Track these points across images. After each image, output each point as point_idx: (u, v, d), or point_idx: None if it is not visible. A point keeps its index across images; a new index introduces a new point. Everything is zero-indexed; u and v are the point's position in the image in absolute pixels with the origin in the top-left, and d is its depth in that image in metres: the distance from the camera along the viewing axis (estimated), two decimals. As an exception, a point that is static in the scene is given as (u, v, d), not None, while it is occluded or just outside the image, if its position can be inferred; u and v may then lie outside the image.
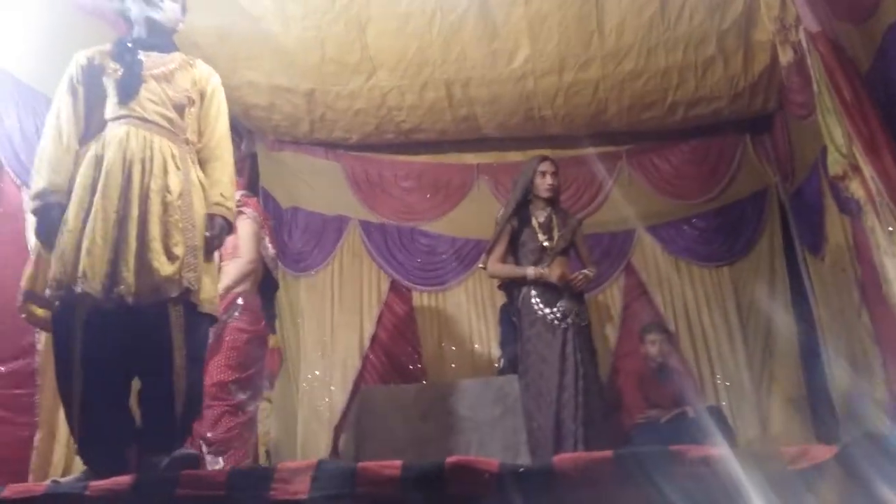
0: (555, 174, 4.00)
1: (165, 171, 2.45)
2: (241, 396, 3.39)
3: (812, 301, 4.57)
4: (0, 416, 3.01)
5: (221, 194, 2.57)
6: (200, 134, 2.64)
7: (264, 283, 3.68)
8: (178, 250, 2.38)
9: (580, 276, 3.79)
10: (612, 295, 5.04)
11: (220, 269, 3.37)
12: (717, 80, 4.67)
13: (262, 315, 3.57)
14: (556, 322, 3.69)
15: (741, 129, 5.15)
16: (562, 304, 3.72)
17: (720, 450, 2.04)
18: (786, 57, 4.11)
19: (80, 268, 2.30)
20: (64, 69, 3.34)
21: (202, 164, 2.62)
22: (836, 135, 3.31)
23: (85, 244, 2.32)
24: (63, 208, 2.43)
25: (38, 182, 2.47)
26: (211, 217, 2.53)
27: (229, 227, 2.60)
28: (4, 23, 3.12)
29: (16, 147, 3.15)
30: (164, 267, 2.34)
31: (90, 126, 2.57)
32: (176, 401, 2.36)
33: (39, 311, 2.52)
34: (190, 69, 2.68)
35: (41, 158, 2.52)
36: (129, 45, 2.61)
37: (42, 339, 3.12)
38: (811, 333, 4.51)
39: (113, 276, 2.31)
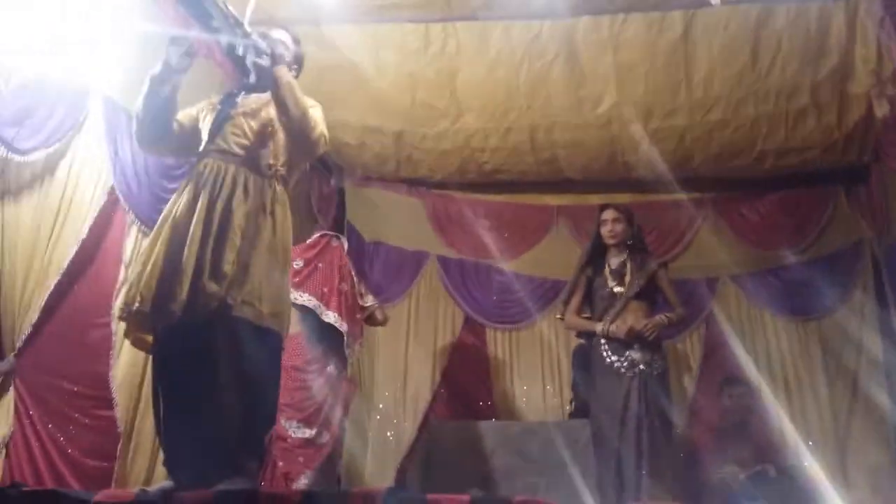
0: (617, 221, 3.98)
1: (233, 195, 2.55)
2: (308, 433, 3.53)
3: (905, 361, 4.35)
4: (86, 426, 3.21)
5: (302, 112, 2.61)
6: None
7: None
8: (228, 269, 2.44)
9: (650, 326, 3.74)
10: (692, 344, 4.93)
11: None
12: (810, 130, 4.59)
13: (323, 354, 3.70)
14: (622, 371, 3.68)
15: (834, 180, 5.01)
16: (630, 353, 3.70)
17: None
18: (882, 110, 4.03)
19: (141, 288, 2.46)
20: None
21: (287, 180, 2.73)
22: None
23: (148, 268, 2.49)
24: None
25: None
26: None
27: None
28: (119, 59, 3.34)
29: (127, 176, 3.40)
30: (210, 285, 2.41)
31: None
32: (226, 419, 2.40)
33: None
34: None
35: None
36: (234, 91, 2.81)
37: (121, 354, 3.34)
38: (904, 395, 4.29)
39: (168, 296, 2.42)
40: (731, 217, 5.15)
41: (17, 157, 2.94)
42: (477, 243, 5.31)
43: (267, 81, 2.79)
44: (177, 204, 2.60)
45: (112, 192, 3.35)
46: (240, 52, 2.85)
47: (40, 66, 3.00)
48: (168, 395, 2.51)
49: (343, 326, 3.85)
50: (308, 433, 3.70)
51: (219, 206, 2.53)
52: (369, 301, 4.15)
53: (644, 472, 3.45)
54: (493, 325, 5.19)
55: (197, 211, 2.52)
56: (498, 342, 5.16)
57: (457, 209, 5.42)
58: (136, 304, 2.46)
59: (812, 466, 3.96)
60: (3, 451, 2.88)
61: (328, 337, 3.84)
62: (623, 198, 5.16)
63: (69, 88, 3.14)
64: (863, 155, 4.71)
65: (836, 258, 4.90)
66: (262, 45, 2.80)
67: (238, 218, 2.52)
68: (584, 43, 4.28)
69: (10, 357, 2.95)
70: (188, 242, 2.47)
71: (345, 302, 3.92)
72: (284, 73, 2.65)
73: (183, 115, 2.80)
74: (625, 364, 3.69)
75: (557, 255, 5.05)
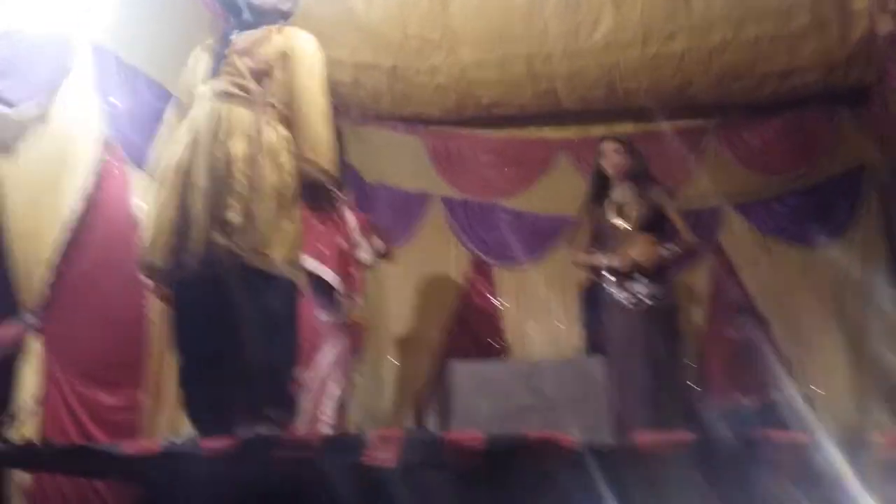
0: (617, 152, 3.91)
1: (231, 138, 2.49)
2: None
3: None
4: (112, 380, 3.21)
5: (311, 149, 2.57)
6: (290, 96, 2.63)
7: None
8: (234, 218, 2.39)
9: (653, 256, 3.70)
10: (700, 276, 4.90)
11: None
12: (811, 51, 4.49)
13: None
14: (629, 306, 3.67)
15: (837, 102, 4.92)
16: (637, 287, 3.68)
17: (807, 436, 2.02)
18: (885, 26, 3.93)
19: (151, 241, 2.45)
20: (164, 51, 3.55)
21: (291, 121, 2.61)
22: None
23: (161, 222, 2.46)
24: None
25: None
26: (301, 174, 2.56)
27: (328, 179, 2.58)
28: (108, 7, 3.25)
29: (121, 123, 3.31)
30: (218, 237, 2.38)
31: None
32: (245, 370, 2.40)
33: None
34: (275, 36, 2.68)
35: None
36: (229, 30, 2.71)
37: (151, 305, 3.32)
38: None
39: (180, 247, 2.41)
40: (733, 144, 5.07)
41: (6, 110, 2.83)
42: (479, 181, 5.25)
43: (262, 17, 2.71)
44: (177, 148, 2.54)
45: (108, 141, 3.26)
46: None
47: (25, 13, 2.88)
48: (187, 348, 2.51)
49: (337, 282, 3.87)
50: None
51: (220, 151, 2.47)
52: (367, 255, 4.15)
53: (656, 404, 3.49)
54: (501, 264, 5.17)
55: (200, 156, 2.46)
56: (506, 281, 5.14)
57: (456, 147, 5.33)
58: (154, 260, 2.44)
59: (824, 393, 4.01)
60: (38, 409, 2.87)
61: (320, 288, 3.87)
62: (624, 128, 5.10)
63: (56, 35, 3.03)
64: (865, 75, 4.62)
65: (840, 182, 4.85)
66: None
67: (239, 162, 2.46)
68: (579, -34, 4.15)
69: (29, 315, 2.90)
70: (194, 192, 2.42)
71: (341, 258, 3.96)
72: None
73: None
74: (632, 299, 3.69)
75: (561, 190, 4.99)
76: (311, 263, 3.72)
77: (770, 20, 4.38)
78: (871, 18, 4.19)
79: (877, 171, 4.77)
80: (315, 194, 2.62)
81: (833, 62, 4.55)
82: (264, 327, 2.42)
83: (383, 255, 4.35)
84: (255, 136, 2.51)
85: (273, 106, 2.61)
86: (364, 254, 4.13)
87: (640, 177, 3.96)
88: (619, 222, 3.84)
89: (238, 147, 2.48)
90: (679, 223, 3.92)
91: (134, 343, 3.30)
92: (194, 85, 2.69)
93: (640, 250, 3.74)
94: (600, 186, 3.98)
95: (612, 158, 3.92)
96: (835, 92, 4.84)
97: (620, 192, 3.94)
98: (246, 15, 2.72)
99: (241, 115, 2.54)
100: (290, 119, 2.62)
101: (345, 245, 4.00)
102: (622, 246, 3.77)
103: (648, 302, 3.68)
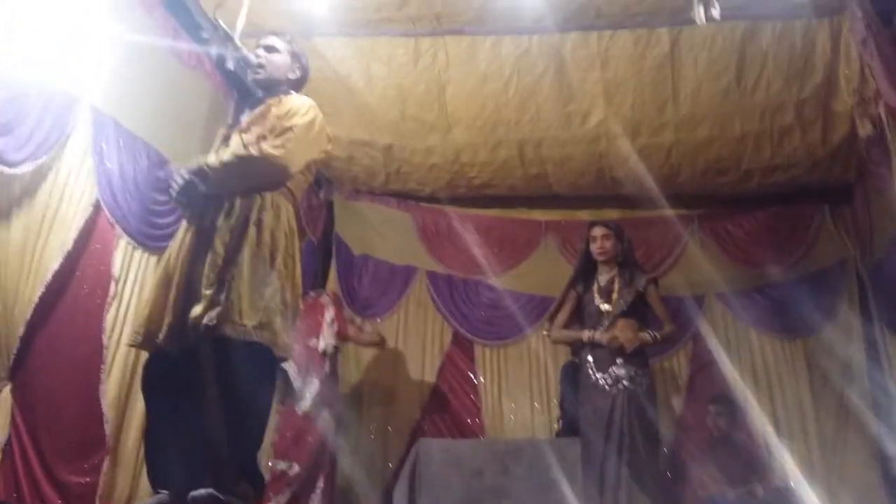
0: (606, 237, 3.99)
1: (218, 214, 2.50)
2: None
3: (890, 380, 4.36)
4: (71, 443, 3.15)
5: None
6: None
7: None
8: (208, 290, 2.38)
9: (632, 339, 3.73)
10: (679, 362, 4.93)
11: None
12: (795, 148, 4.63)
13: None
14: (607, 387, 3.67)
15: (820, 198, 5.05)
16: (614, 369, 3.70)
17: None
18: (864, 130, 4.08)
19: (142, 320, 2.46)
20: (163, 117, 3.63)
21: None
22: (917, 210, 3.24)
23: (150, 296, 2.48)
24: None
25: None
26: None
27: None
28: (109, 72, 3.32)
29: (114, 188, 3.35)
30: (194, 309, 2.37)
31: None
32: (213, 436, 2.35)
33: None
34: (274, 108, 2.69)
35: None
36: (241, 111, 2.75)
37: (112, 371, 3.31)
38: (889, 415, 4.29)
39: (157, 325, 2.41)
40: (718, 233, 5.18)
41: (5, 169, 2.88)
42: (465, 258, 5.31)
43: (270, 90, 2.76)
44: (179, 234, 2.58)
45: (98, 203, 3.30)
46: (230, 66, 2.84)
47: (27, 76, 2.96)
48: (155, 414, 2.50)
49: (295, 376, 4.19)
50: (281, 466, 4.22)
51: (205, 228, 2.49)
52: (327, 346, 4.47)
53: (626, 490, 3.43)
54: (482, 341, 5.17)
55: (189, 237, 2.50)
56: (486, 358, 5.13)
57: (446, 223, 5.42)
58: (140, 337, 2.45)
59: (799, 485, 3.96)
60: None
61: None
62: (611, 213, 5.22)
63: (56, 98, 3.10)
64: (847, 173, 4.76)
65: (821, 276, 4.92)
66: (252, 58, 2.79)
67: (221, 235, 2.46)
68: (572, 58, 4.31)
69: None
70: (177, 269, 2.45)
71: (309, 356, 4.36)
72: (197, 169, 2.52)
73: None
74: (609, 380, 3.68)
75: (545, 271, 5.06)
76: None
77: (755, 118, 4.53)
78: (853, 121, 4.33)
79: (856, 266, 4.85)
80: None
81: (816, 160, 4.69)
82: (236, 396, 2.38)
83: (377, 344, 4.74)
84: (241, 209, 2.50)
85: None
86: (324, 344, 4.45)
87: (625, 262, 4.02)
88: (605, 306, 3.87)
89: (221, 222, 2.48)
90: (661, 311, 3.99)
91: (95, 407, 3.25)
92: None
93: (622, 333, 3.76)
94: (586, 268, 4.03)
95: (600, 243, 3.98)
96: (817, 188, 4.97)
97: (606, 276, 3.99)
98: (259, 94, 2.76)
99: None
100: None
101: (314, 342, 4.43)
102: (601, 329, 3.79)
103: (626, 384, 3.67)
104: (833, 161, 4.69)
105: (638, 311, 3.89)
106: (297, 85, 2.86)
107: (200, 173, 2.50)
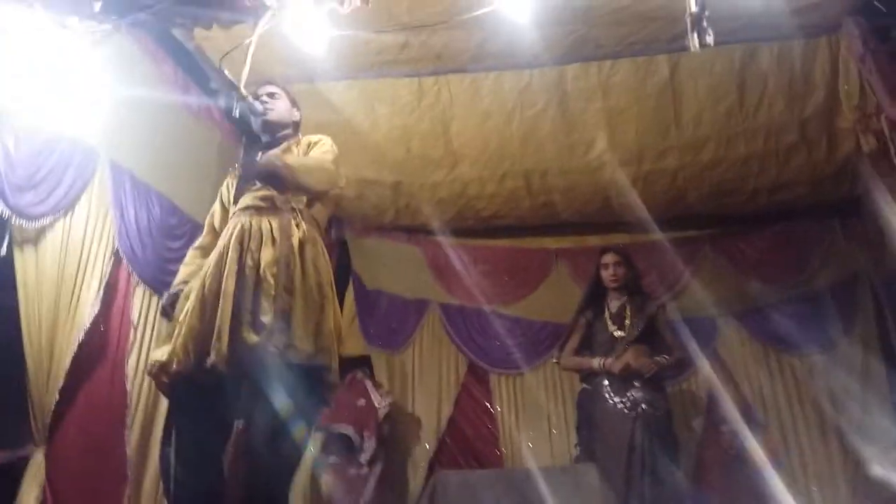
0: (618, 264, 4.03)
1: (261, 246, 2.61)
2: None
3: (911, 393, 4.32)
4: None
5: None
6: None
7: None
8: (266, 318, 2.48)
9: (648, 364, 3.74)
10: (697, 383, 4.91)
11: None
12: (800, 166, 4.65)
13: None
14: (625, 411, 3.67)
15: (829, 213, 5.06)
16: (632, 393, 3.70)
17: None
18: (868, 145, 4.09)
19: (176, 348, 2.50)
20: (174, 166, 3.75)
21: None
22: (923, 222, 3.25)
23: (183, 329, 2.53)
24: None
25: (176, 280, 2.82)
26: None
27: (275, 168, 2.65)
28: (122, 124, 3.45)
29: (131, 239, 3.47)
30: (251, 337, 2.46)
31: None
32: (257, 464, 2.46)
33: None
34: (295, 148, 2.88)
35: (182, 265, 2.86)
36: (253, 156, 2.85)
37: (137, 414, 3.37)
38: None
39: (205, 350, 2.46)
40: (730, 253, 5.18)
41: (26, 224, 3.00)
42: (477, 290, 5.32)
43: (275, 132, 2.90)
44: (207, 264, 2.66)
45: (117, 254, 3.40)
46: (236, 114, 2.95)
47: (47, 132, 3.08)
48: (184, 449, 2.51)
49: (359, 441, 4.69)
50: None
51: (248, 258, 2.59)
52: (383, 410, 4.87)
53: None
54: (497, 371, 5.18)
55: (227, 266, 2.57)
56: (503, 387, 5.14)
57: (455, 256, 5.43)
58: (174, 365, 2.49)
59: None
60: None
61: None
62: (621, 238, 5.23)
63: (77, 153, 3.22)
64: (855, 188, 4.76)
65: (836, 291, 4.90)
66: (259, 107, 2.91)
67: (269, 266, 2.57)
68: (573, 90, 4.37)
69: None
70: (222, 296, 2.51)
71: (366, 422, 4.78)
72: (272, 161, 2.67)
73: (212, 221, 2.92)
74: (627, 404, 3.68)
75: (558, 298, 5.07)
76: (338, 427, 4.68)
77: (759, 138, 4.56)
78: (857, 137, 4.35)
79: (870, 280, 4.83)
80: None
81: (822, 177, 4.71)
82: (268, 421, 2.48)
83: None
84: (284, 239, 2.64)
85: (297, 209, 2.76)
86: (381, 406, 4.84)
87: (634, 289, 4.05)
88: (618, 332, 3.89)
89: (267, 252, 2.60)
90: (669, 337, 4.01)
91: (118, 454, 3.32)
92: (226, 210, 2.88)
93: (635, 360, 3.77)
94: (594, 295, 4.06)
95: (612, 270, 4.01)
96: (826, 203, 4.97)
97: (617, 303, 4.01)
98: (265, 138, 2.91)
99: (268, 222, 2.68)
100: (312, 217, 2.79)
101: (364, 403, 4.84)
102: (615, 356, 3.80)
103: (645, 408, 3.66)
104: (840, 176, 4.70)
105: (647, 337, 3.91)
106: (299, 126, 3.03)
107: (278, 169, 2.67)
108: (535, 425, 4.97)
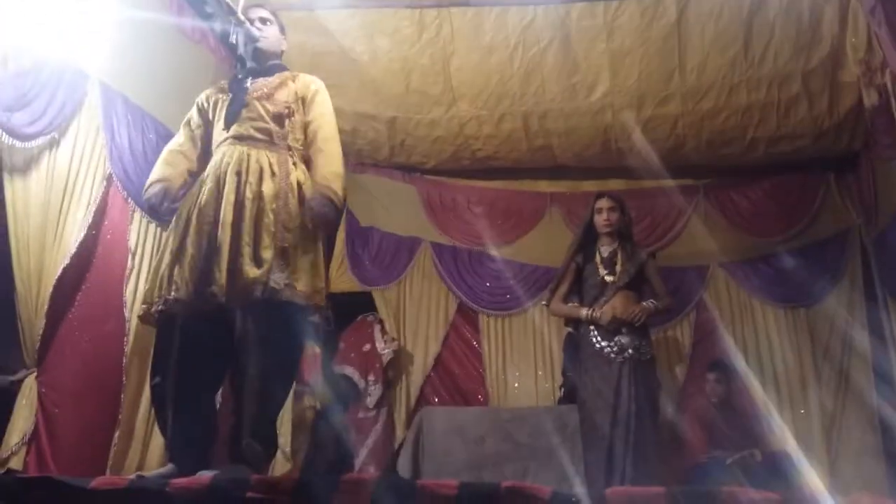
0: (612, 209, 4.00)
1: (261, 179, 2.60)
2: None
3: (892, 349, 4.40)
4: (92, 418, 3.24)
5: (324, 176, 2.69)
6: (306, 136, 2.79)
7: None
8: (267, 254, 2.50)
9: (637, 311, 3.77)
10: (683, 331, 4.97)
11: None
12: (801, 118, 4.62)
13: None
14: (612, 356, 3.72)
15: (825, 168, 5.04)
16: (620, 338, 3.73)
17: (774, 495, 2.04)
18: (870, 100, 4.06)
19: (175, 277, 2.50)
20: (169, 92, 3.66)
21: (310, 159, 2.76)
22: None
23: (180, 258, 2.52)
24: (173, 195, 2.71)
25: (151, 177, 2.79)
26: (310, 198, 2.64)
27: (333, 206, 2.66)
28: (117, 47, 3.37)
29: (125, 164, 3.41)
30: (252, 270, 2.47)
31: (207, 159, 2.79)
32: (269, 394, 2.52)
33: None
34: (291, 84, 2.84)
35: (157, 164, 2.83)
36: (240, 77, 2.84)
37: (130, 340, 3.38)
38: (891, 382, 4.34)
39: (205, 279, 2.47)
40: (723, 204, 5.18)
41: (19, 144, 2.94)
42: (470, 230, 5.33)
43: (268, 62, 2.83)
44: (200, 192, 2.63)
45: (110, 178, 3.36)
46: (233, 39, 2.88)
47: (38, 51, 3.00)
48: (182, 382, 2.53)
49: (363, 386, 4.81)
50: None
51: (248, 190, 2.58)
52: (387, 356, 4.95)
53: (632, 457, 3.50)
54: (486, 312, 5.20)
55: (225, 195, 2.56)
56: (491, 328, 5.17)
57: (450, 196, 5.43)
58: (173, 293, 2.48)
59: (797, 451, 4.03)
60: (25, 446, 2.91)
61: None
62: (616, 184, 5.23)
63: (67, 74, 3.14)
64: (853, 143, 4.75)
65: (825, 246, 4.93)
66: (255, 31, 2.84)
67: (269, 201, 2.57)
68: (577, 29, 4.30)
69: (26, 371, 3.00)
70: (220, 226, 2.51)
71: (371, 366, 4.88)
72: (319, 205, 2.63)
73: (180, 146, 2.85)
74: (614, 349, 3.73)
75: (550, 242, 5.07)
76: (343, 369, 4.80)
77: (762, 88, 4.52)
78: (860, 91, 4.31)
79: (860, 235, 4.86)
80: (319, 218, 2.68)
81: (822, 130, 4.68)
82: (282, 361, 2.55)
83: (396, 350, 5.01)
84: (283, 176, 2.64)
85: (294, 147, 2.76)
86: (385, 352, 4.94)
87: (626, 236, 4.05)
88: (609, 277, 3.90)
89: (267, 187, 2.60)
90: (658, 285, 4.00)
91: (113, 381, 3.33)
92: (210, 123, 2.83)
93: (621, 305, 3.79)
94: (587, 239, 4.05)
95: (606, 215, 4.00)
96: (823, 158, 4.96)
97: (608, 248, 4.00)
98: (251, 64, 2.85)
99: (266, 157, 2.67)
100: (308, 158, 2.77)
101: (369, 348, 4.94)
102: (604, 300, 3.83)
103: (632, 353, 3.71)
104: (839, 131, 4.67)
105: (636, 284, 3.92)
106: (281, 56, 2.97)
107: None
108: (522, 366, 5.03)
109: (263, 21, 2.89)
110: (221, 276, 2.45)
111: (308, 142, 2.78)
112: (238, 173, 2.60)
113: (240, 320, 2.55)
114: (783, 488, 2.69)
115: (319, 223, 2.66)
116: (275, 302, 2.51)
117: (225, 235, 2.50)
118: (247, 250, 2.50)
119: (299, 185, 2.68)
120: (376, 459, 4.56)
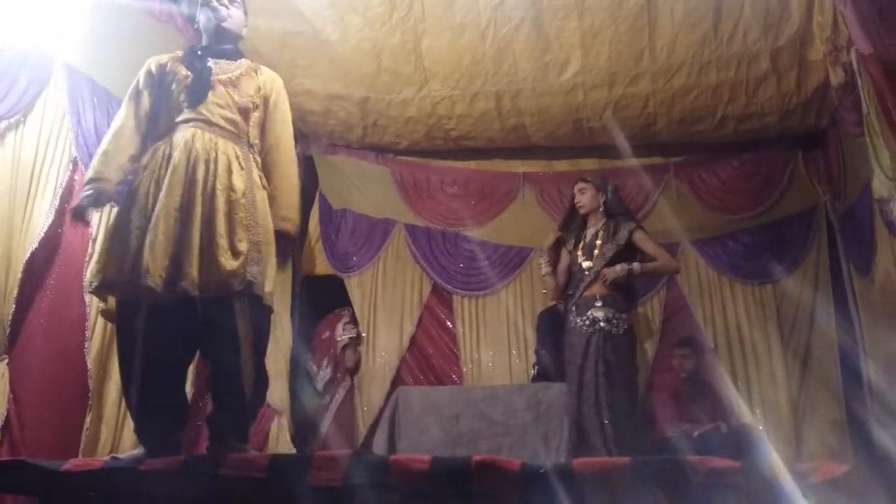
0: (582, 191, 4.04)
1: (230, 171, 2.58)
2: None
3: (857, 323, 4.51)
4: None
5: (284, 206, 2.74)
6: (264, 139, 2.77)
7: None
8: (243, 246, 2.51)
9: (607, 274, 3.77)
10: (653, 307, 5.03)
11: None
12: (769, 96, 4.67)
13: None
14: (583, 329, 3.76)
15: (792, 145, 5.10)
16: (592, 312, 3.77)
17: (735, 464, 2.10)
18: (836, 78, 4.11)
19: (143, 263, 2.46)
20: (136, 73, 3.61)
21: (266, 169, 2.75)
22: (883, 157, 3.32)
23: (148, 239, 2.48)
24: (108, 196, 2.68)
25: (88, 173, 2.74)
26: (279, 234, 2.70)
27: (291, 240, 2.78)
28: (83, 29, 3.33)
29: (90, 148, 3.32)
30: (229, 262, 2.47)
31: (158, 129, 2.73)
32: (244, 388, 2.52)
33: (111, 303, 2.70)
34: (255, 76, 2.81)
35: (96, 155, 2.75)
36: (199, 52, 2.79)
37: (96, 326, 3.36)
38: (854, 356, 4.45)
39: (176, 271, 2.45)
40: (692, 182, 5.22)
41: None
42: (444, 211, 5.34)
43: (229, 43, 2.81)
44: (162, 170, 2.58)
45: (76, 162, 3.31)
46: (199, 19, 2.85)
47: (1, 34, 2.94)
48: (148, 368, 2.53)
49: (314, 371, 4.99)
50: None
51: (217, 182, 2.55)
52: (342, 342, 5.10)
53: (601, 427, 3.53)
54: (460, 292, 5.23)
55: (196, 184, 2.54)
56: (465, 308, 5.20)
57: (424, 176, 5.42)
58: (145, 279, 2.43)
59: (764, 425, 4.12)
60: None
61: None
62: (589, 163, 5.27)
63: (31, 56, 3.10)
64: (820, 120, 4.81)
65: (792, 223, 5.01)
66: (224, 13, 2.81)
67: (240, 194, 2.57)
68: (549, 8, 4.30)
69: None
70: (191, 217, 2.49)
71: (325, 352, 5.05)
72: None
73: (123, 132, 2.77)
74: (587, 322, 3.76)
75: (524, 222, 5.11)
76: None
77: (731, 67, 4.55)
78: (826, 70, 4.37)
79: (826, 212, 4.95)
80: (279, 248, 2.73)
81: (790, 108, 4.74)
82: (253, 350, 2.55)
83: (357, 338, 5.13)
84: (248, 171, 2.65)
85: (254, 144, 2.75)
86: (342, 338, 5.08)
87: (612, 212, 4.04)
88: (586, 263, 3.90)
89: (238, 179, 2.59)
90: (655, 251, 3.97)
91: (83, 366, 3.32)
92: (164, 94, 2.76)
93: (600, 286, 3.81)
94: (572, 221, 4.08)
95: (578, 197, 4.02)
96: (791, 135, 5.03)
97: (592, 230, 4.02)
98: (210, 41, 2.83)
99: (233, 149, 2.65)
100: (264, 164, 2.76)
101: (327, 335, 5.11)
102: (583, 286, 3.85)
103: (602, 325, 3.73)
104: (807, 109, 4.73)
105: (626, 259, 3.89)
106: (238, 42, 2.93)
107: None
108: (496, 346, 5.07)
109: (231, 1, 2.85)
110: (193, 269, 2.44)
111: (266, 148, 2.78)
112: (206, 162, 2.58)
113: (205, 309, 2.52)
114: (753, 459, 2.76)
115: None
116: (250, 294, 2.52)
117: (196, 227, 2.49)
118: (222, 242, 2.49)
119: (262, 182, 2.70)
120: (336, 441, 4.62)
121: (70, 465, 2.25)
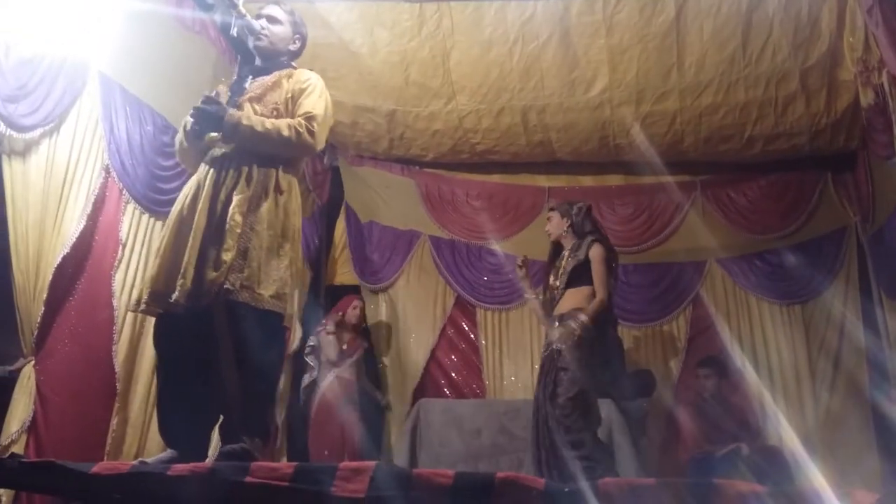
0: (549, 219, 3.89)
1: (236, 183, 2.56)
2: None
3: (886, 346, 4.44)
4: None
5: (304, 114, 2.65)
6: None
7: None
8: (227, 256, 2.46)
9: (567, 335, 3.47)
10: (679, 325, 5.01)
11: None
12: (798, 116, 4.64)
13: None
14: (544, 354, 3.63)
15: (822, 165, 5.06)
16: (549, 333, 3.63)
17: (761, 488, 2.06)
18: (867, 99, 4.08)
19: (150, 276, 2.52)
20: (169, 83, 3.67)
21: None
22: (915, 179, 3.28)
23: (158, 259, 2.54)
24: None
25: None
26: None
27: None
28: (116, 38, 3.37)
29: (122, 155, 3.42)
30: (210, 273, 2.45)
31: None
32: (231, 396, 2.48)
33: None
34: (285, 82, 2.76)
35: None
36: (242, 75, 2.78)
37: (123, 330, 3.40)
38: (885, 379, 4.38)
39: (170, 286, 2.46)
40: (720, 200, 5.20)
41: (16, 135, 2.94)
42: (468, 224, 5.36)
43: (271, 60, 2.80)
44: (186, 196, 2.62)
45: (107, 168, 3.36)
46: (234, 32, 2.87)
47: (38, 42, 3.00)
48: (167, 374, 2.57)
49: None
50: None
51: (222, 194, 2.55)
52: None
53: (541, 446, 3.40)
54: (484, 305, 5.23)
55: (201, 200, 2.54)
56: (488, 321, 5.20)
57: (449, 189, 5.45)
58: (144, 297, 2.50)
59: (791, 444, 4.04)
60: (24, 434, 2.93)
61: None
62: (614, 179, 5.27)
63: (66, 64, 3.14)
64: (850, 141, 4.77)
65: (821, 243, 4.96)
66: (256, 26, 2.82)
67: (239, 205, 2.52)
68: (577, 25, 4.31)
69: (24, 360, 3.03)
70: (192, 232, 2.49)
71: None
72: (234, 118, 2.56)
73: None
74: (546, 347, 3.63)
75: (548, 237, 5.08)
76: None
77: (760, 86, 4.53)
78: (857, 90, 4.33)
79: (857, 233, 4.89)
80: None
81: (819, 128, 4.70)
82: (249, 359, 2.49)
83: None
84: (260, 179, 2.59)
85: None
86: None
87: (579, 233, 3.79)
88: (555, 282, 3.76)
89: (240, 190, 2.55)
90: (597, 273, 3.60)
91: (110, 369, 3.35)
92: None
93: (568, 303, 3.62)
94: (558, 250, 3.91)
95: (546, 226, 3.91)
96: (820, 156, 4.98)
97: (566, 252, 3.81)
98: (258, 62, 2.81)
99: (246, 159, 2.60)
100: (290, 161, 2.71)
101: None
102: (552, 307, 3.73)
103: (555, 346, 3.50)
104: (836, 129, 4.70)
105: (586, 278, 3.63)
106: (296, 55, 2.90)
107: (233, 125, 2.55)
108: (518, 360, 5.06)
109: (271, 20, 2.81)
110: (186, 282, 2.43)
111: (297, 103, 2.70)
112: (217, 178, 2.58)
113: (216, 317, 2.52)
114: (777, 482, 2.71)
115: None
116: (234, 303, 2.47)
117: (195, 242, 2.48)
118: (212, 254, 2.48)
119: (277, 185, 2.62)
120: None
121: (99, 467, 2.26)
